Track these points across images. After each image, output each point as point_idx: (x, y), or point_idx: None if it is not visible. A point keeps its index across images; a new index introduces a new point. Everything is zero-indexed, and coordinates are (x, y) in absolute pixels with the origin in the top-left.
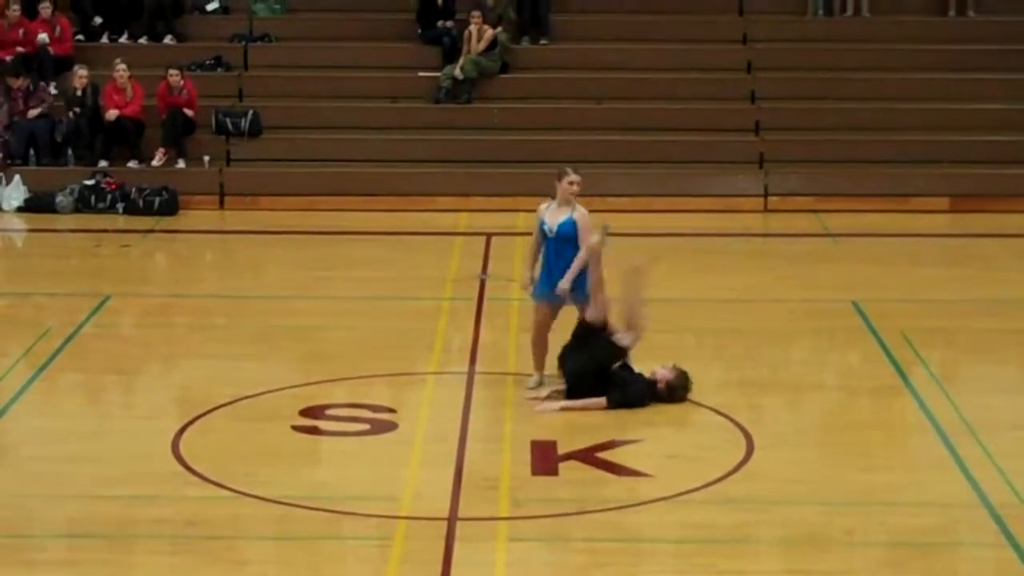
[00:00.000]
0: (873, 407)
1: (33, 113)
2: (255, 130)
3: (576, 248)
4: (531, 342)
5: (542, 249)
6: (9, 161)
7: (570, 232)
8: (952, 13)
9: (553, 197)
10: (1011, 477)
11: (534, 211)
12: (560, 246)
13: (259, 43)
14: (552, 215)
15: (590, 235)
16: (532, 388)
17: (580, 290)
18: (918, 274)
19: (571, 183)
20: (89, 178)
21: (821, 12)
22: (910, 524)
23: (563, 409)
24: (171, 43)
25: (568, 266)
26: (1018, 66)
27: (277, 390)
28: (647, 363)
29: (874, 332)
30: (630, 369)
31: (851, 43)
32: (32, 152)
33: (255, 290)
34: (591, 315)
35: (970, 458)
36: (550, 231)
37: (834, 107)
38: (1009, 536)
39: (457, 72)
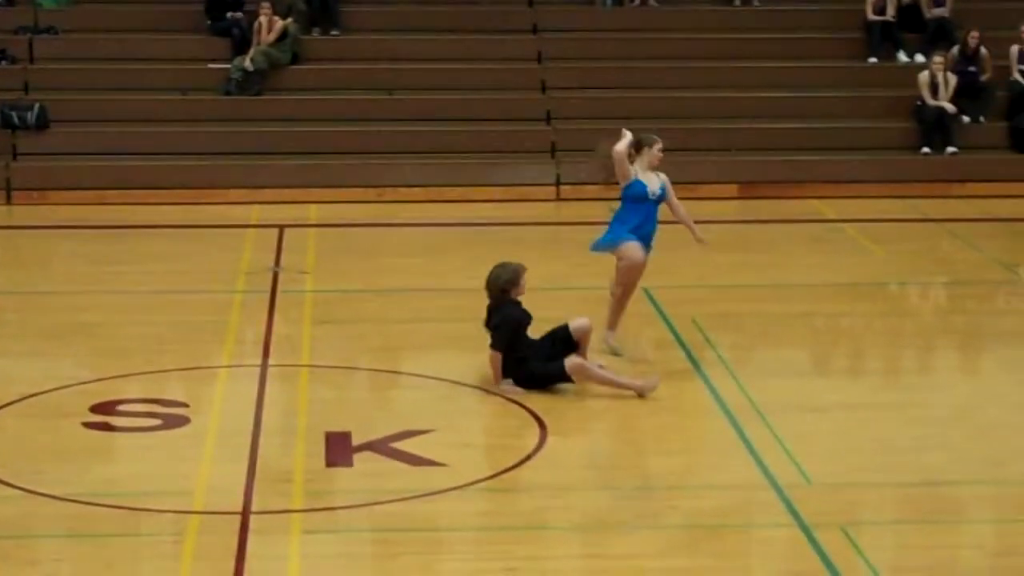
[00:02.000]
0: (664, 392)
1: None
2: (42, 123)
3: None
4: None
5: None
6: None
7: (664, 196)
8: (738, 2)
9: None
10: (798, 458)
11: (326, 203)
12: (656, 208)
13: (45, 35)
14: (647, 179)
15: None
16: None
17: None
18: (707, 260)
19: (660, 150)
20: None
21: (610, 2)
22: (701, 506)
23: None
24: None
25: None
26: (802, 54)
27: (67, 387)
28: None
29: (664, 318)
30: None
31: (640, 32)
32: None
33: (43, 286)
34: None
35: (758, 440)
36: (652, 195)
37: (624, 96)
38: (796, 516)
39: (247, 64)
